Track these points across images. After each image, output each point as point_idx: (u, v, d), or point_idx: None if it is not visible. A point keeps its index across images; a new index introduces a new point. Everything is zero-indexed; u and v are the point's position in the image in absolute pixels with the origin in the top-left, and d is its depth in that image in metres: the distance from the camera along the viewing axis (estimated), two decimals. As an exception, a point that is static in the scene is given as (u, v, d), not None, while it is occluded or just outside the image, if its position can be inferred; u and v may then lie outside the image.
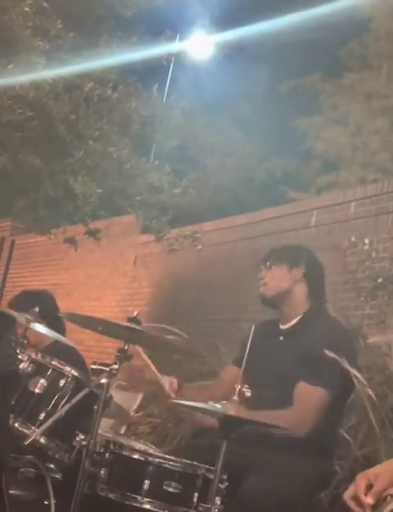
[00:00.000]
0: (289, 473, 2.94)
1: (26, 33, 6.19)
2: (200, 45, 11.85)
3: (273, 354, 3.27)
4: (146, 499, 2.68)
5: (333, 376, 3.09)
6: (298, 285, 3.33)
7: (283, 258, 3.35)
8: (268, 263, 3.37)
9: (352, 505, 2.01)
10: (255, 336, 2.95)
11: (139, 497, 2.68)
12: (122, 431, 4.03)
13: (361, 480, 2.04)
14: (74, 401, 2.95)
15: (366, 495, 2.01)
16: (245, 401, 2.71)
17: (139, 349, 3.25)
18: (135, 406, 4.42)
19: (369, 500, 1.97)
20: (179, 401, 3.12)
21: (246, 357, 2.82)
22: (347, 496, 2.04)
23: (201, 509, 2.62)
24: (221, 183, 12.79)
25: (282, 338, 3.32)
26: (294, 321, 3.32)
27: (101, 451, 2.78)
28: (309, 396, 3.06)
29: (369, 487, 2.01)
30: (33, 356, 3.13)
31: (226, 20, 11.45)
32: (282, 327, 3.35)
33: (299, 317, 3.31)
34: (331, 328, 3.29)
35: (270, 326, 3.40)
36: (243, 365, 2.80)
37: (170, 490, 2.68)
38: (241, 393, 2.67)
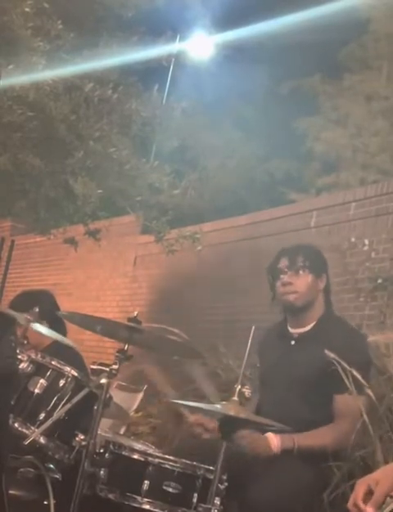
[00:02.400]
0: (288, 475, 2.94)
1: (26, 34, 6.19)
2: (200, 46, 11.86)
3: (286, 358, 3.25)
4: (145, 499, 2.68)
5: (363, 380, 3.10)
6: (319, 295, 3.30)
7: (312, 267, 3.25)
8: (295, 268, 3.25)
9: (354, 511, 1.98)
10: (266, 340, 2.93)
11: (139, 497, 2.69)
12: (122, 431, 4.03)
13: (360, 486, 2.00)
14: (73, 401, 2.95)
15: (365, 500, 1.98)
16: (245, 402, 2.72)
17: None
18: (135, 407, 4.43)
19: (369, 509, 1.94)
20: (179, 401, 3.12)
21: (245, 359, 2.82)
22: (350, 504, 2.00)
23: (200, 509, 2.62)
24: (221, 184, 12.78)
25: (293, 342, 3.29)
26: (309, 327, 3.28)
27: (101, 451, 2.79)
28: (352, 408, 3.07)
29: (369, 492, 1.98)
30: (33, 356, 3.13)
31: (226, 20, 11.46)
32: (294, 331, 3.31)
33: (314, 323, 3.28)
34: (349, 332, 3.29)
35: (278, 332, 3.37)
36: (243, 367, 2.80)
37: (170, 490, 2.68)
38: (240, 393, 2.68)
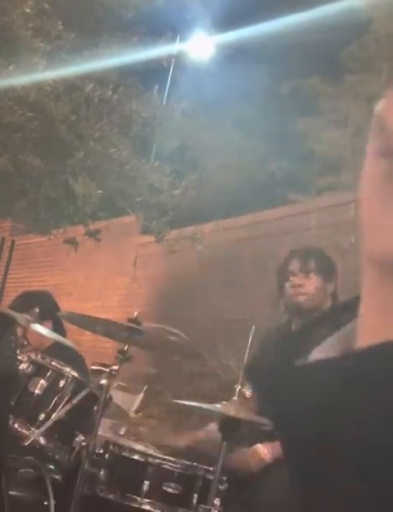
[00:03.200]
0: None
1: (27, 34, 6.19)
2: (200, 46, 11.86)
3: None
4: (145, 500, 2.68)
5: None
6: (327, 300, 3.31)
7: (322, 271, 3.24)
8: (306, 270, 3.23)
9: None
10: (269, 341, 2.93)
11: (139, 498, 2.68)
12: (122, 432, 4.03)
13: None
14: (74, 401, 2.95)
15: None
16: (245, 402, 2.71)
17: None
18: (135, 407, 4.43)
19: None
20: (179, 401, 3.11)
21: (245, 359, 2.81)
22: None
23: (200, 510, 2.62)
24: (221, 184, 12.79)
25: None
26: None
27: (101, 451, 2.78)
28: None
29: None
30: (33, 357, 3.13)
31: (226, 21, 11.46)
32: None
33: None
34: None
35: (284, 331, 3.35)
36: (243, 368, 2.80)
37: (170, 491, 2.68)
38: (241, 394, 2.67)
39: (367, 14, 13.49)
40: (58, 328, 3.84)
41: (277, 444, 2.95)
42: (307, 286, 3.23)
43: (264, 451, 2.95)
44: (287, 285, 3.28)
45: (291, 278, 3.26)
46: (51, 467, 3.03)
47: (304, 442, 0.56)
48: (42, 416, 3.03)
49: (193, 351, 3.21)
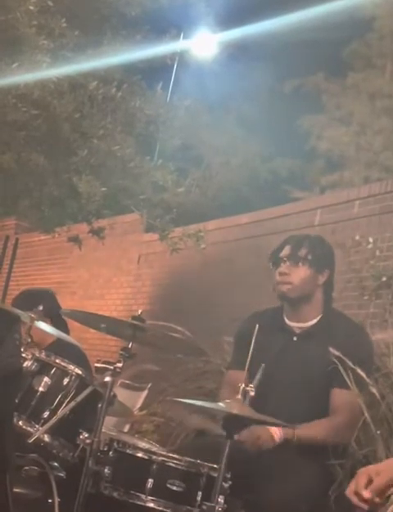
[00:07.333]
0: (293, 473, 2.94)
1: (31, 32, 6.18)
2: (204, 44, 11.82)
3: (289, 355, 3.23)
4: (149, 497, 2.68)
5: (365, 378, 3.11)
6: (318, 289, 3.28)
7: (313, 261, 3.21)
8: (295, 259, 3.22)
9: (354, 500, 2.03)
10: (259, 330, 2.91)
11: (143, 496, 2.69)
12: (126, 429, 4.03)
13: (361, 476, 2.06)
14: (78, 399, 2.96)
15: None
16: (252, 401, 2.71)
17: None
18: (139, 405, 4.43)
19: (367, 494, 2.00)
20: (181, 400, 3.11)
21: (251, 356, 2.80)
22: (349, 491, 2.06)
23: (204, 507, 2.62)
24: (225, 182, 12.78)
25: (295, 338, 3.27)
26: (310, 322, 3.26)
27: (105, 449, 2.79)
28: (349, 402, 3.07)
29: (370, 482, 2.03)
30: (37, 354, 3.14)
31: (230, 19, 11.43)
32: (294, 325, 3.29)
33: (317, 319, 3.26)
34: (352, 329, 3.28)
35: (274, 322, 3.32)
36: (247, 365, 2.79)
37: (174, 488, 2.68)
38: (244, 392, 2.67)
39: (370, 11, 13.46)
40: (61, 326, 3.85)
41: (285, 429, 2.98)
42: (293, 276, 3.21)
43: (276, 431, 2.98)
44: (277, 271, 3.27)
45: (281, 264, 3.25)
46: (56, 464, 3.04)
47: None
48: (46, 414, 3.04)
49: (197, 348, 3.21)
